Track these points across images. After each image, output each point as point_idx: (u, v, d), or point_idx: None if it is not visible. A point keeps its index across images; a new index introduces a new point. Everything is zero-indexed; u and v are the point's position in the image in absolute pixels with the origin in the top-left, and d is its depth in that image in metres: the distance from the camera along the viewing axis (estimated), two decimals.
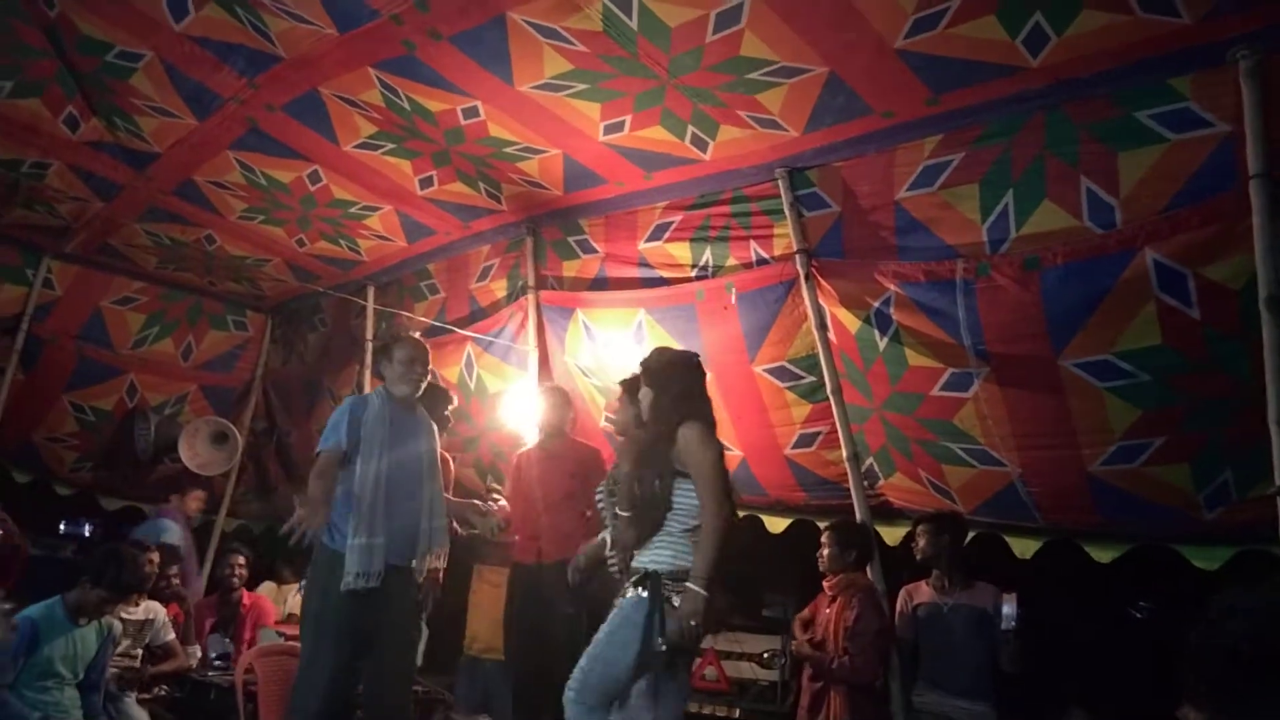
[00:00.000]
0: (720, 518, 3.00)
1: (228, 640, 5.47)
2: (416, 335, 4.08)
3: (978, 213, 3.69)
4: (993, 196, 3.63)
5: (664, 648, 2.92)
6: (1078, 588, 4.65)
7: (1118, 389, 3.53)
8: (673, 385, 3.25)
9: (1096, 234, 3.41)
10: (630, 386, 3.63)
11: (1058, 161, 3.45)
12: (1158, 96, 3.20)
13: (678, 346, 4.72)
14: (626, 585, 3.14)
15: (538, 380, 5.31)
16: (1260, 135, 3.02)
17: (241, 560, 5.75)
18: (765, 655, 5.67)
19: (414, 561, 3.76)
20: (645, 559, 3.10)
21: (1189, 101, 3.16)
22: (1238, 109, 3.06)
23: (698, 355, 3.43)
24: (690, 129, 4.08)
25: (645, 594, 3.03)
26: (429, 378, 3.96)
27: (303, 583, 5.97)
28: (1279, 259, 3.04)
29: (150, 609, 4.86)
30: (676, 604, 2.96)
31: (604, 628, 3.11)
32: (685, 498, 3.09)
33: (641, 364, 3.37)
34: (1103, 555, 4.07)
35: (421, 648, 4.83)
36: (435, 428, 4.02)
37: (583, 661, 3.07)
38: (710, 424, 3.21)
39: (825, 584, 4.26)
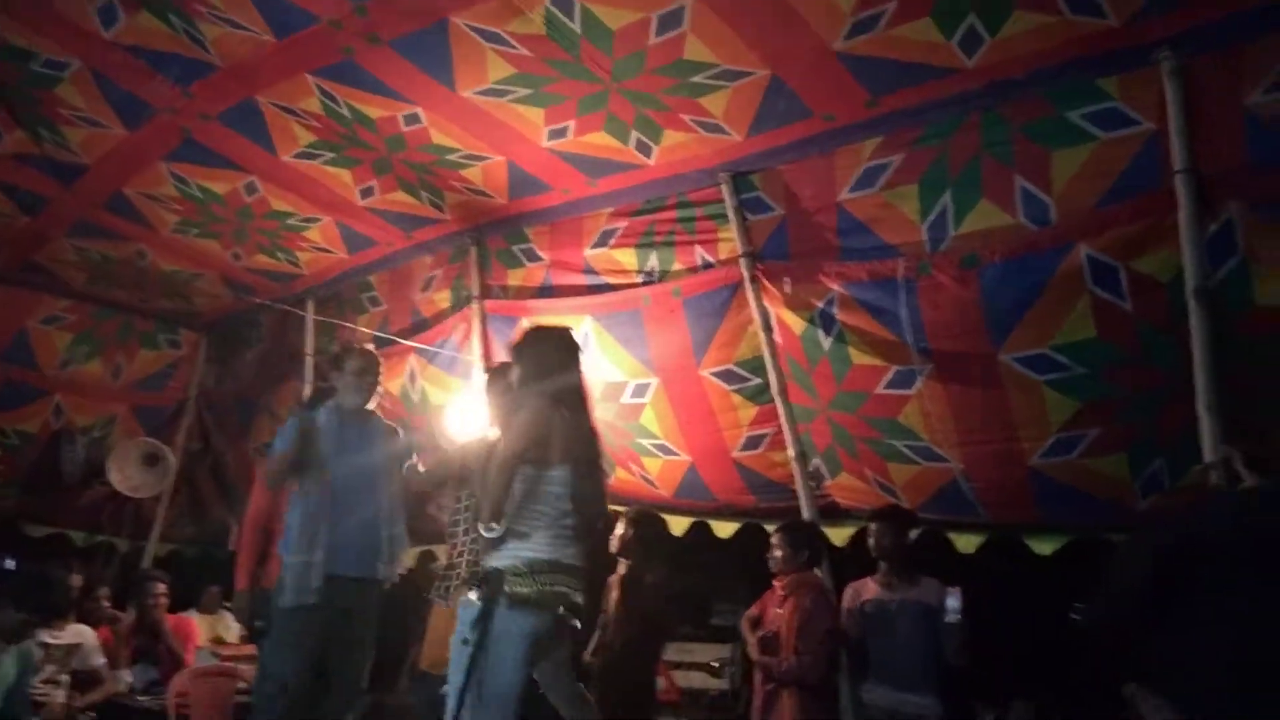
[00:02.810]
0: (495, 462, 2.90)
1: (152, 669, 5.27)
2: (368, 347, 4.04)
3: (918, 213, 3.78)
4: (932, 196, 3.72)
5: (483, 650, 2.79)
6: (1019, 582, 4.73)
7: (1055, 382, 3.62)
8: (526, 366, 3.13)
9: (1032, 231, 3.51)
10: (494, 377, 3.64)
11: (994, 161, 3.55)
12: (1087, 96, 3.32)
13: (625, 353, 4.76)
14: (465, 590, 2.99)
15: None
16: (1183, 132, 3.16)
17: (161, 588, 5.53)
18: (715, 664, 5.67)
19: (380, 571, 3.69)
20: (491, 558, 2.93)
21: (1117, 101, 3.29)
22: (1162, 108, 3.20)
23: (562, 330, 3.32)
24: (634, 134, 4.10)
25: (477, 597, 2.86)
26: (377, 389, 3.93)
27: (225, 610, 5.84)
28: (1204, 251, 3.17)
29: (79, 633, 4.67)
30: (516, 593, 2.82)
31: (453, 655, 2.90)
32: (535, 485, 2.92)
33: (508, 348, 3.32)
34: (1043, 548, 4.15)
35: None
36: (397, 433, 3.97)
37: (466, 699, 2.79)
38: (562, 397, 3.04)
39: (776, 583, 4.27)
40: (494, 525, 2.89)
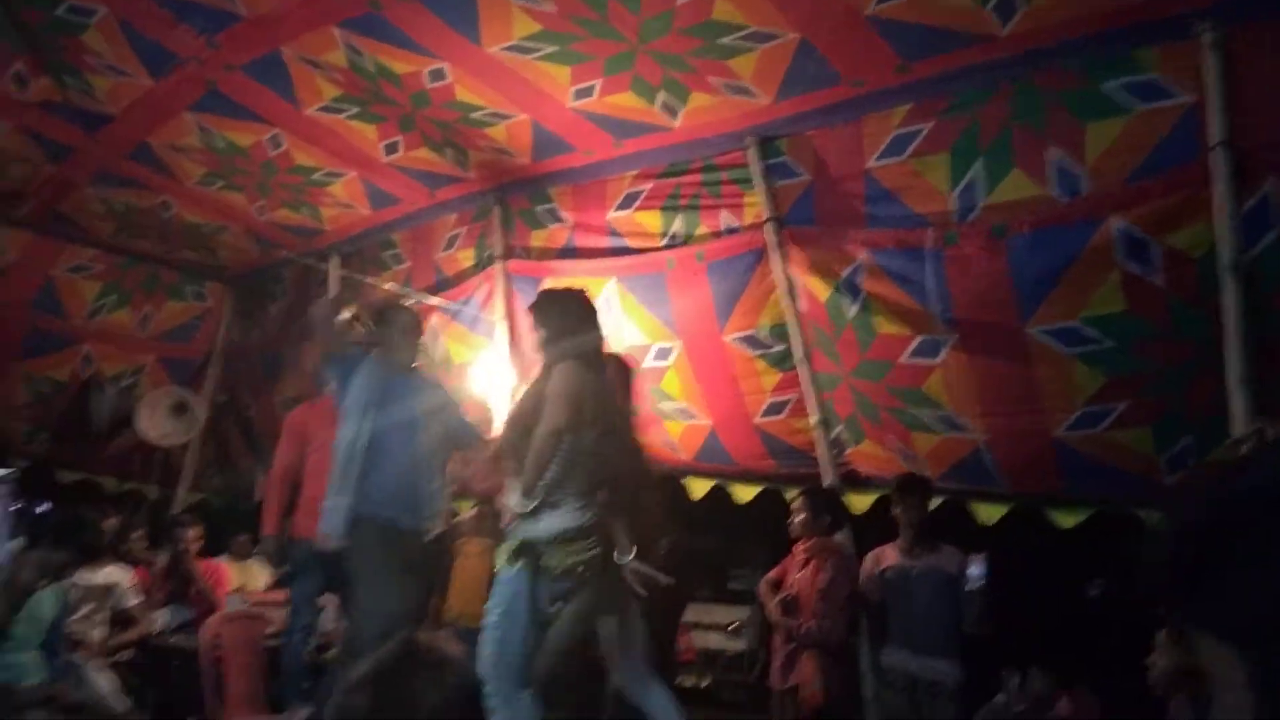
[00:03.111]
0: (542, 433, 2.91)
1: (184, 611, 5.42)
2: (420, 301, 4.08)
3: (947, 182, 3.72)
4: (962, 165, 3.66)
5: (553, 610, 2.90)
6: (1041, 553, 4.74)
7: (1084, 355, 3.58)
8: (547, 327, 3.14)
9: (1063, 203, 3.46)
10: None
11: (1026, 131, 3.48)
12: (1124, 67, 3.24)
13: (648, 316, 4.75)
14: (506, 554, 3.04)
15: (509, 352, 5.28)
16: (1222, 106, 3.09)
17: (194, 533, 5.67)
18: (732, 626, 5.74)
19: (416, 521, 3.67)
20: (525, 527, 2.98)
21: (1155, 73, 3.21)
22: (1201, 80, 3.11)
23: (576, 289, 3.31)
24: (661, 95, 4.05)
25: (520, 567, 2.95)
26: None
27: (254, 557, 5.97)
28: (1240, 226, 3.10)
29: (113, 574, 4.79)
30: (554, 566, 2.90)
31: (490, 605, 2.98)
32: (568, 455, 2.95)
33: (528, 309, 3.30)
34: (1066, 520, 4.14)
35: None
36: (442, 390, 3.97)
37: (485, 647, 2.89)
38: (589, 358, 3.07)
39: (798, 547, 4.31)
40: (530, 498, 2.94)
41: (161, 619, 5.32)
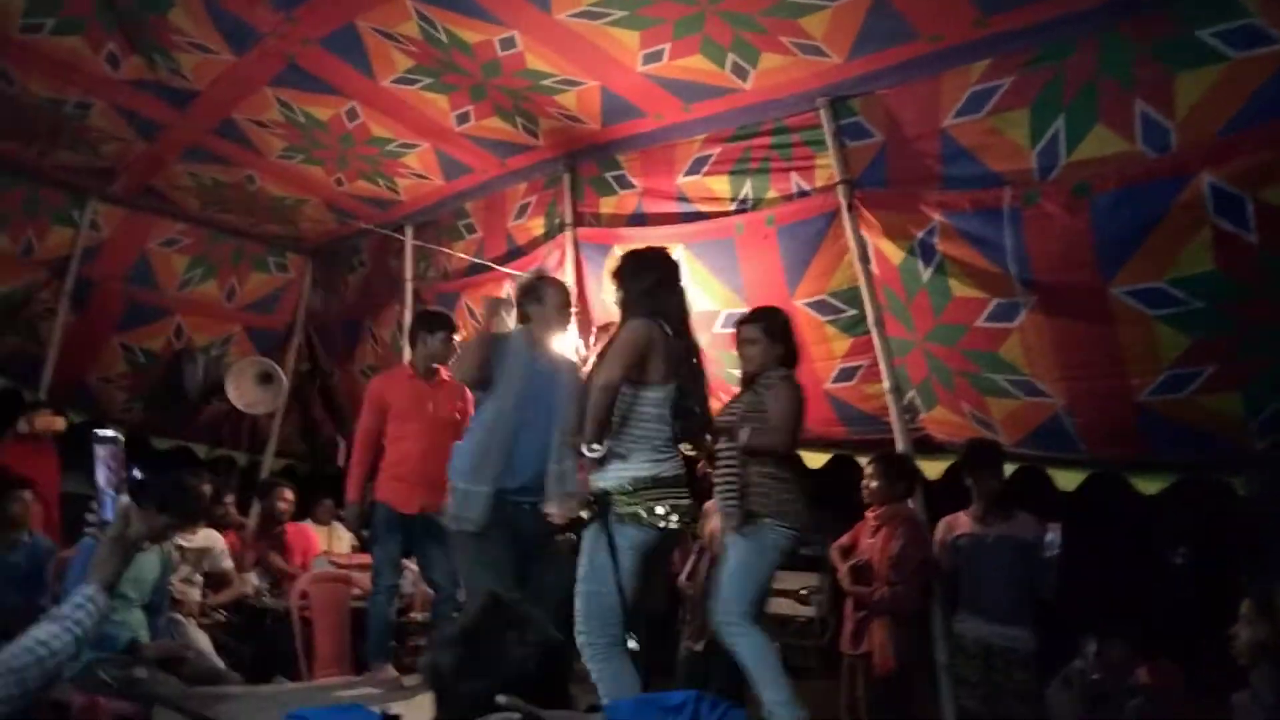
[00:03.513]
0: (597, 385, 3.02)
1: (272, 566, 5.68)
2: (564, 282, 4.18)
3: (1027, 139, 3.60)
4: (1043, 122, 3.54)
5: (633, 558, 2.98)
6: (1121, 521, 4.62)
7: (1168, 317, 3.46)
8: (628, 288, 3.23)
9: (1151, 158, 3.32)
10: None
11: (1112, 84, 3.34)
12: (1220, 12, 3.08)
13: (717, 282, 4.74)
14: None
15: (580, 321, 5.31)
16: None
17: (289, 494, 5.92)
18: (803, 592, 5.73)
19: (550, 502, 3.56)
20: (595, 476, 3.09)
21: (1254, 17, 3.03)
22: None
23: (658, 250, 3.42)
24: (730, 57, 4.01)
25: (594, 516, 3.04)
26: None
27: (337, 522, 6.18)
28: None
29: (208, 537, 5.03)
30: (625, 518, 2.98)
31: (580, 560, 3.09)
32: (633, 406, 3.03)
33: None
34: (1148, 486, 4.03)
35: None
36: (575, 370, 3.87)
37: (577, 603, 3.02)
38: (660, 317, 3.13)
39: (870, 514, 4.29)
40: (595, 446, 3.01)
41: (253, 580, 5.58)
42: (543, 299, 3.72)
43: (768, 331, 3.46)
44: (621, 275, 3.27)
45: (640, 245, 3.59)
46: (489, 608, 1.40)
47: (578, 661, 2.98)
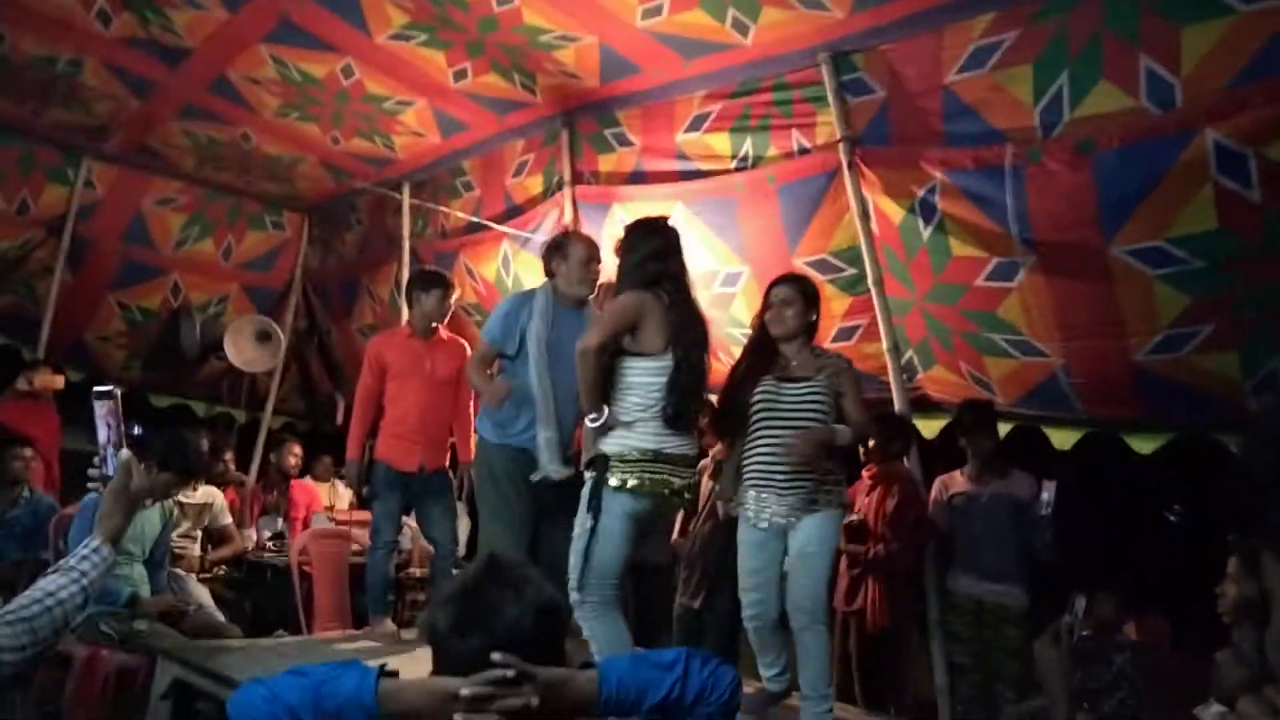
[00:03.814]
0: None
1: (280, 521, 5.72)
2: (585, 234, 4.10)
3: (1030, 95, 3.55)
4: (1047, 78, 3.49)
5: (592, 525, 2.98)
6: (1116, 479, 4.66)
7: (1168, 276, 3.45)
8: (626, 259, 3.18)
9: (1155, 114, 3.28)
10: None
11: (1116, 39, 3.30)
12: None
13: (717, 241, 4.72)
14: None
15: None
16: None
17: (298, 449, 5.96)
18: None
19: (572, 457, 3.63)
20: (600, 444, 3.07)
21: None
22: None
23: (658, 219, 3.32)
24: (731, 12, 3.95)
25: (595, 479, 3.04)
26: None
27: (336, 480, 6.25)
28: None
29: (208, 493, 5.06)
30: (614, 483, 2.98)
31: (576, 519, 3.07)
32: (632, 375, 3.02)
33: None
34: (1144, 446, 4.06)
35: (463, 537, 4.99)
36: None
37: (571, 560, 3.02)
38: (656, 286, 3.08)
39: (865, 473, 4.32)
40: (594, 415, 3.02)
41: (252, 536, 5.63)
42: (567, 255, 3.72)
43: (804, 294, 3.34)
44: (621, 248, 3.23)
45: (641, 216, 3.53)
46: (487, 566, 1.41)
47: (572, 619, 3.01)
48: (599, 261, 3.75)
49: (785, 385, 3.23)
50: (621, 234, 3.29)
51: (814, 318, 3.34)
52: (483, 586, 1.37)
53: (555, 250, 3.79)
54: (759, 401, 3.20)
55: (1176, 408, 3.90)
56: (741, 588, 3.27)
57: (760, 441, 3.18)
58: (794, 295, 3.32)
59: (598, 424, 3.02)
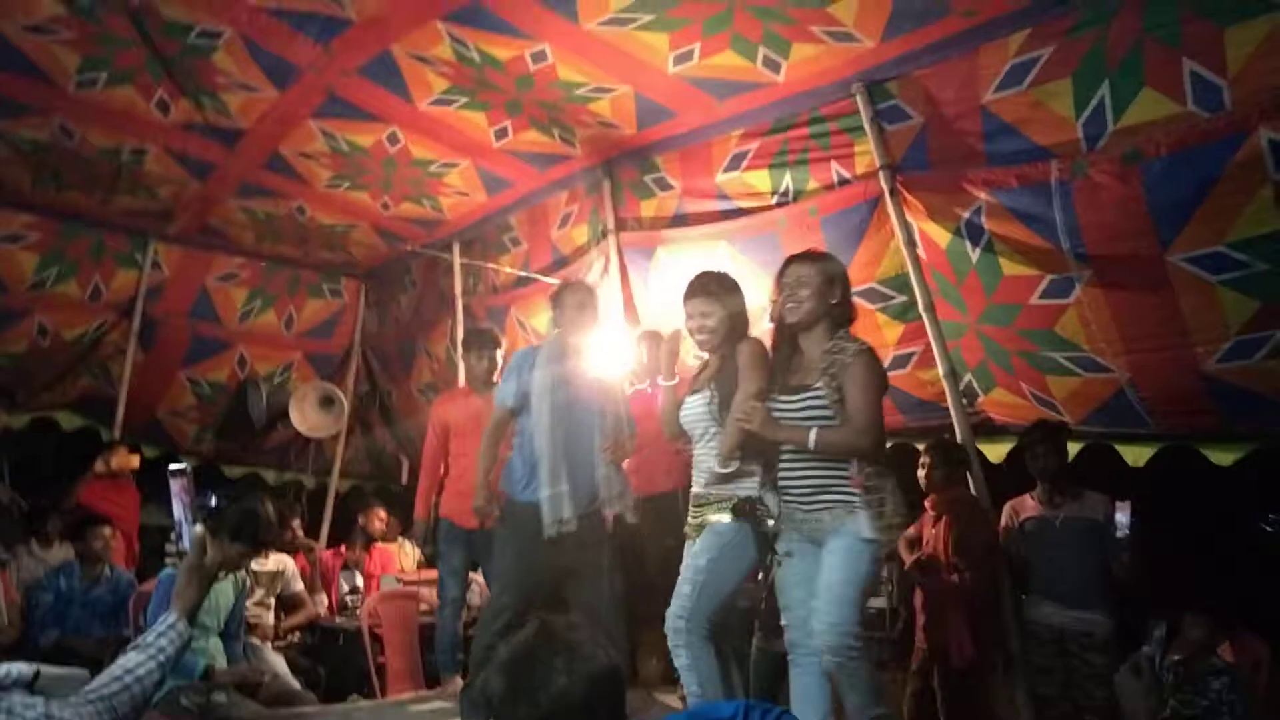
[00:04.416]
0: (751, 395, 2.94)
1: (357, 575, 5.82)
2: (585, 281, 4.13)
3: (1071, 109, 3.50)
4: (1087, 90, 3.44)
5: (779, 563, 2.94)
6: (1196, 494, 4.48)
7: (1232, 281, 3.34)
8: (744, 304, 3.19)
9: (1203, 119, 3.20)
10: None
11: (1157, 44, 3.24)
12: None
13: (764, 277, 4.70)
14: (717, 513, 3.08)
15: (627, 325, 5.34)
16: None
17: (383, 513, 6.07)
18: None
19: (596, 507, 3.64)
20: (731, 488, 3.05)
21: None
22: None
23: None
24: (761, 51, 3.99)
25: (741, 520, 3.01)
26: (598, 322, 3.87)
27: (404, 539, 6.33)
28: None
29: (280, 561, 5.15)
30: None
31: (703, 556, 3.03)
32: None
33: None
34: (1223, 458, 3.90)
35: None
36: (615, 378, 3.93)
37: (688, 588, 3.00)
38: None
39: (927, 503, 4.22)
40: (731, 461, 3.01)
41: (324, 602, 5.71)
42: (563, 305, 3.77)
43: (824, 273, 2.95)
44: (735, 290, 3.22)
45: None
46: (537, 634, 1.40)
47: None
48: (594, 308, 3.78)
49: (781, 399, 2.94)
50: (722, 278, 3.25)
51: (836, 300, 2.95)
52: (533, 655, 1.37)
53: (553, 301, 3.84)
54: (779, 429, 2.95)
55: (1254, 416, 3.74)
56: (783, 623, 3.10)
57: (778, 464, 3.00)
58: (811, 273, 2.94)
59: (730, 470, 3.03)
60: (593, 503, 3.63)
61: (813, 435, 2.81)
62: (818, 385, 2.87)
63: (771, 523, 2.99)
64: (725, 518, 3.03)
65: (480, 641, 3.71)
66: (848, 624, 2.73)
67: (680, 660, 3.00)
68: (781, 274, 3.03)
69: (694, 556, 3.06)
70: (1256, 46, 3.05)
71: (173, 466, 2.19)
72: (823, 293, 2.92)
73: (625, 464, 4.61)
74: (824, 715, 2.89)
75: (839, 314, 2.98)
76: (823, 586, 2.80)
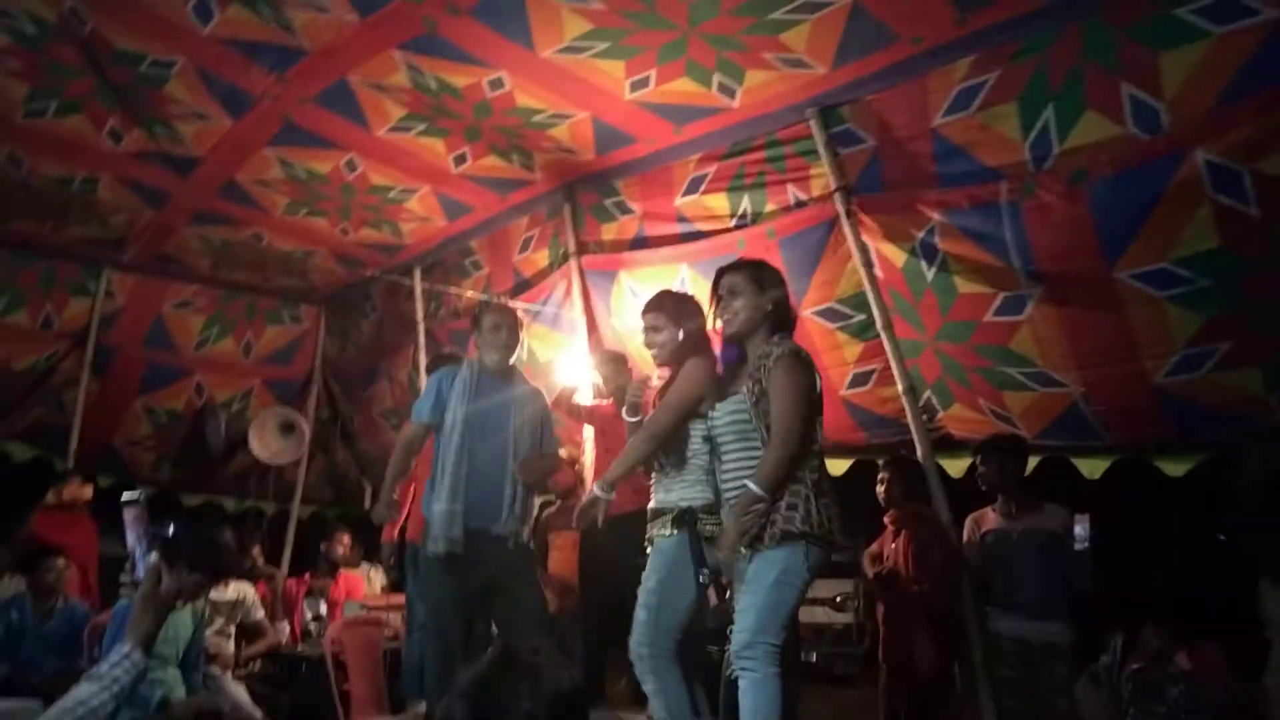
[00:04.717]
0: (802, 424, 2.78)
1: (322, 603, 5.73)
2: (504, 302, 4.10)
3: (1018, 131, 3.60)
4: (1032, 113, 3.54)
5: (705, 581, 2.86)
6: (1151, 505, 4.58)
7: (1177, 297, 3.45)
8: (779, 306, 3.00)
9: (1143, 140, 3.31)
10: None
11: (1097, 69, 3.34)
12: None
13: None
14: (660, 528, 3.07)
15: (589, 348, 5.35)
16: None
17: (346, 539, 6.00)
18: (838, 599, 5.70)
19: (502, 526, 3.66)
20: (673, 496, 3.05)
21: None
22: None
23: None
24: (716, 77, 4.04)
25: (681, 532, 2.98)
26: (516, 343, 3.89)
27: (369, 564, 6.27)
28: None
29: (239, 589, 5.07)
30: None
31: (652, 578, 3.01)
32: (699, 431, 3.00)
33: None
34: (1175, 469, 4.00)
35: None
36: (537, 396, 3.96)
37: (644, 614, 2.97)
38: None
39: (887, 518, 4.27)
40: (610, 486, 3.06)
41: (285, 629, 5.62)
42: (480, 326, 3.85)
43: (755, 279, 2.91)
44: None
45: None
46: (500, 656, 1.40)
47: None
48: (510, 329, 3.84)
49: (715, 410, 2.93)
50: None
51: (770, 306, 2.90)
52: (495, 678, 1.36)
53: (473, 322, 3.92)
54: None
55: (1204, 427, 3.84)
56: None
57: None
58: (741, 281, 2.91)
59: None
60: (502, 522, 3.67)
61: (751, 489, 2.70)
62: (741, 391, 2.87)
63: (713, 532, 2.95)
64: (667, 532, 3.03)
65: (428, 663, 3.76)
66: (746, 632, 2.67)
67: (647, 686, 2.99)
68: (715, 285, 3.00)
69: (645, 580, 3.05)
70: (1189, 71, 3.17)
71: (126, 496, 2.17)
72: (756, 300, 2.90)
73: (592, 482, 4.64)
74: None
75: (776, 319, 2.94)
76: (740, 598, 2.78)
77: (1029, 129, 3.57)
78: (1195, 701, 3.30)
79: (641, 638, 2.96)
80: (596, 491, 3.03)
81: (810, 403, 2.82)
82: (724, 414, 2.93)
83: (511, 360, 3.86)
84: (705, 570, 2.90)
